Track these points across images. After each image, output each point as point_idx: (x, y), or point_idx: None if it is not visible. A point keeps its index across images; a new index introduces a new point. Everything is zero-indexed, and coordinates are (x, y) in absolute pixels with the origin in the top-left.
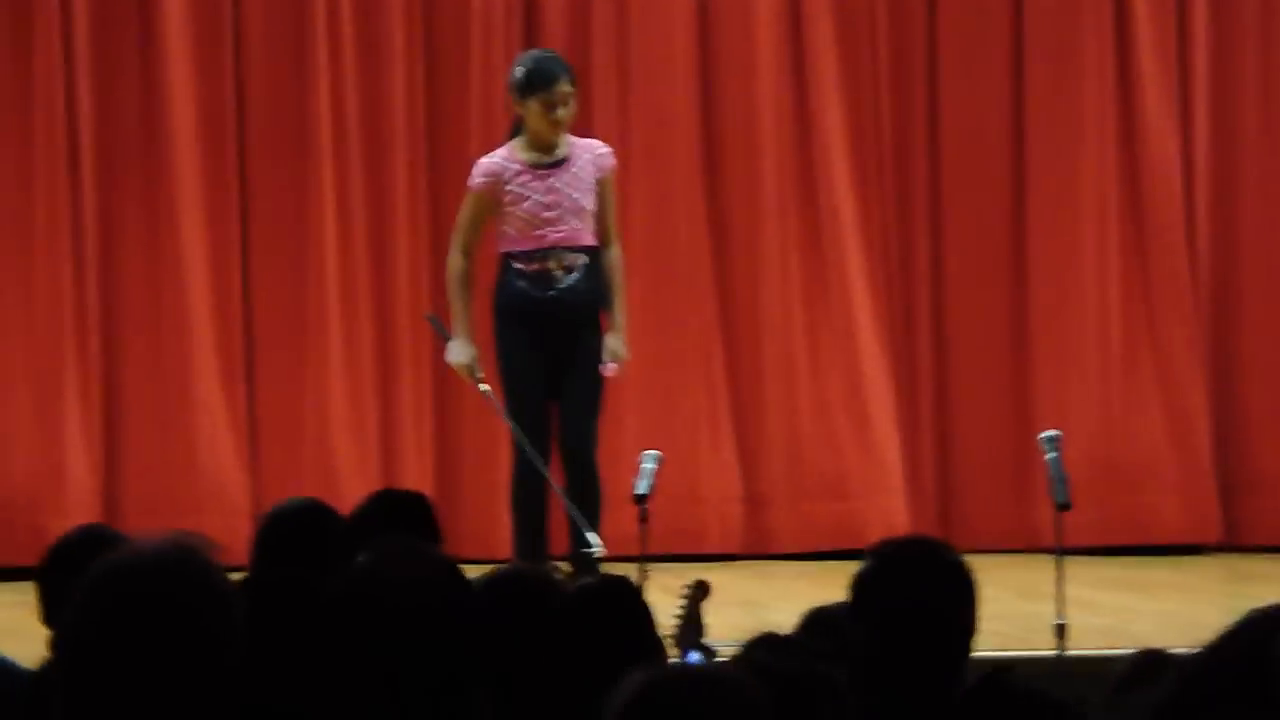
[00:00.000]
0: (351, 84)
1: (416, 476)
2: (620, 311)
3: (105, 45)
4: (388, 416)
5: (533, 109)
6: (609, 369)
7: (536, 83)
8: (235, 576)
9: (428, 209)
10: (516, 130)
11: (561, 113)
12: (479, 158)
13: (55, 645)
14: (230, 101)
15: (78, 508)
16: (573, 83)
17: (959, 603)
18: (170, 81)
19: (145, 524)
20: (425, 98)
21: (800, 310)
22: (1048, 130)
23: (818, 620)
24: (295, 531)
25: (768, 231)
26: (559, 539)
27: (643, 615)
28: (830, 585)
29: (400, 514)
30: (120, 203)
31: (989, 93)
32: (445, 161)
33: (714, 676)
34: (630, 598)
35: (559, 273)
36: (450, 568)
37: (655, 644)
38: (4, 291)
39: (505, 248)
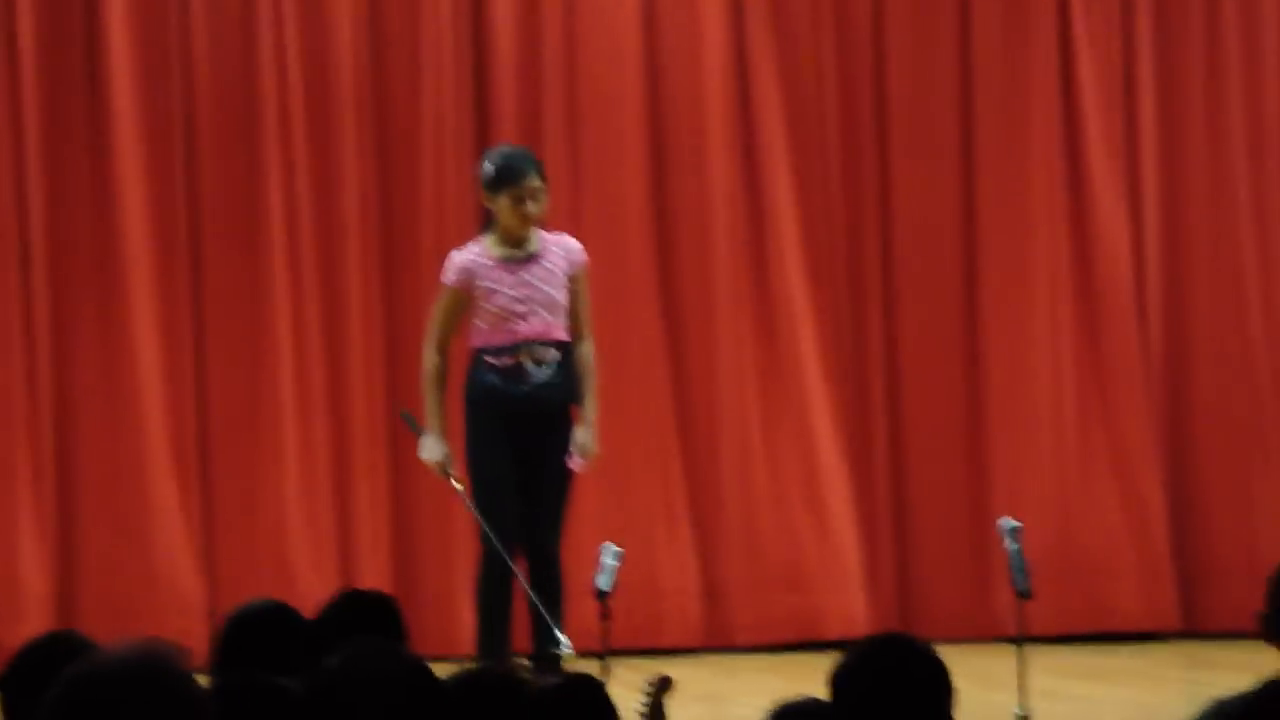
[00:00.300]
0: (303, 178)
1: (374, 573)
2: (591, 406)
3: (56, 140)
4: (344, 513)
5: (503, 204)
6: (576, 463)
7: (505, 178)
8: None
9: (381, 304)
10: (487, 225)
11: (531, 207)
12: (432, 251)
13: None
14: (181, 197)
15: (32, 612)
16: (542, 177)
17: (937, 699)
18: (121, 177)
19: (101, 628)
20: (377, 192)
21: (755, 400)
22: (999, 214)
23: (785, 716)
24: (257, 633)
25: (721, 321)
26: (521, 635)
27: (609, 713)
28: (792, 678)
29: (365, 614)
30: (72, 303)
31: (939, 177)
32: (398, 255)
33: None
34: (597, 696)
35: (531, 366)
36: (420, 667)
37: None
38: None
39: (477, 342)
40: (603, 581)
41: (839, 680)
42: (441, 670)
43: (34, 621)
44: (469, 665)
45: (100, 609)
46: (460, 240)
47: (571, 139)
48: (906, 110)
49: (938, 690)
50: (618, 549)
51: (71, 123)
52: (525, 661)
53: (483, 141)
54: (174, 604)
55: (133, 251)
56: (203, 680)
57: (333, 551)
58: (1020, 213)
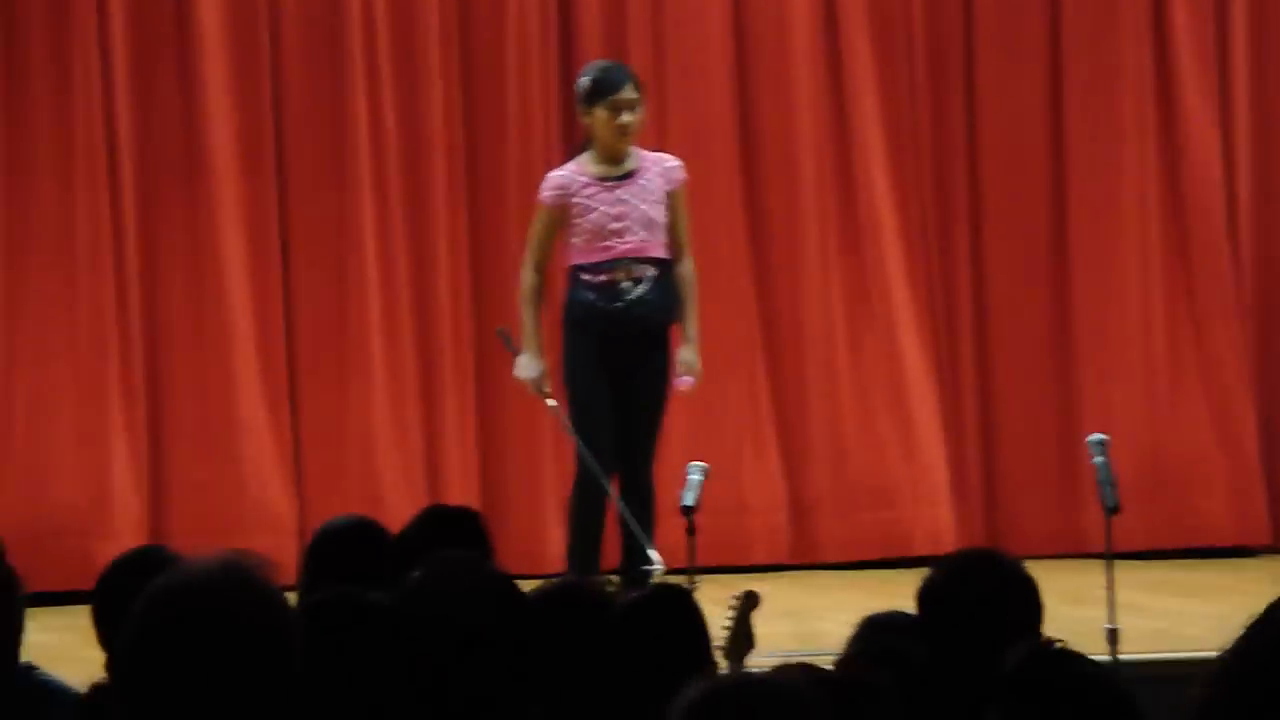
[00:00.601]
0: (389, 101)
1: (461, 492)
2: (693, 325)
3: (143, 66)
4: (432, 433)
5: (599, 117)
6: (683, 382)
7: (602, 89)
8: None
9: (467, 225)
10: (585, 144)
11: (627, 118)
12: (517, 171)
13: (111, 667)
14: (268, 120)
15: (125, 531)
16: (639, 90)
17: (1025, 614)
18: (209, 101)
19: (192, 546)
20: (463, 115)
21: (842, 318)
22: (1087, 131)
23: (872, 628)
24: (344, 549)
25: (808, 239)
26: (610, 553)
27: (698, 625)
28: (878, 594)
29: (451, 530)
30: (161, 225)
31: (1028, 94)
32: (483, 178)
33: (773, 684)
34: (686, 607)
35: (627, 284)
36: (503, 580)
37: (709, 654)
38: (48, 317)
39: (574, 260)
40: (688, 497)
41: (927, 595)
42: (529, 588)
43: (126, 540)
44: (553, 580)
45: (190, 527)
46: (544, 161)
47: (657, 56)
48: (994, 22)
49: (1026, 606)
50: (703, 465)
51: (159, 46)
52: (614, 579)
53: (567, 61)
54: (263, 522)
55: (221, 171)
56: (291, 596)
57: (420, 469)
58: (1109, 126)
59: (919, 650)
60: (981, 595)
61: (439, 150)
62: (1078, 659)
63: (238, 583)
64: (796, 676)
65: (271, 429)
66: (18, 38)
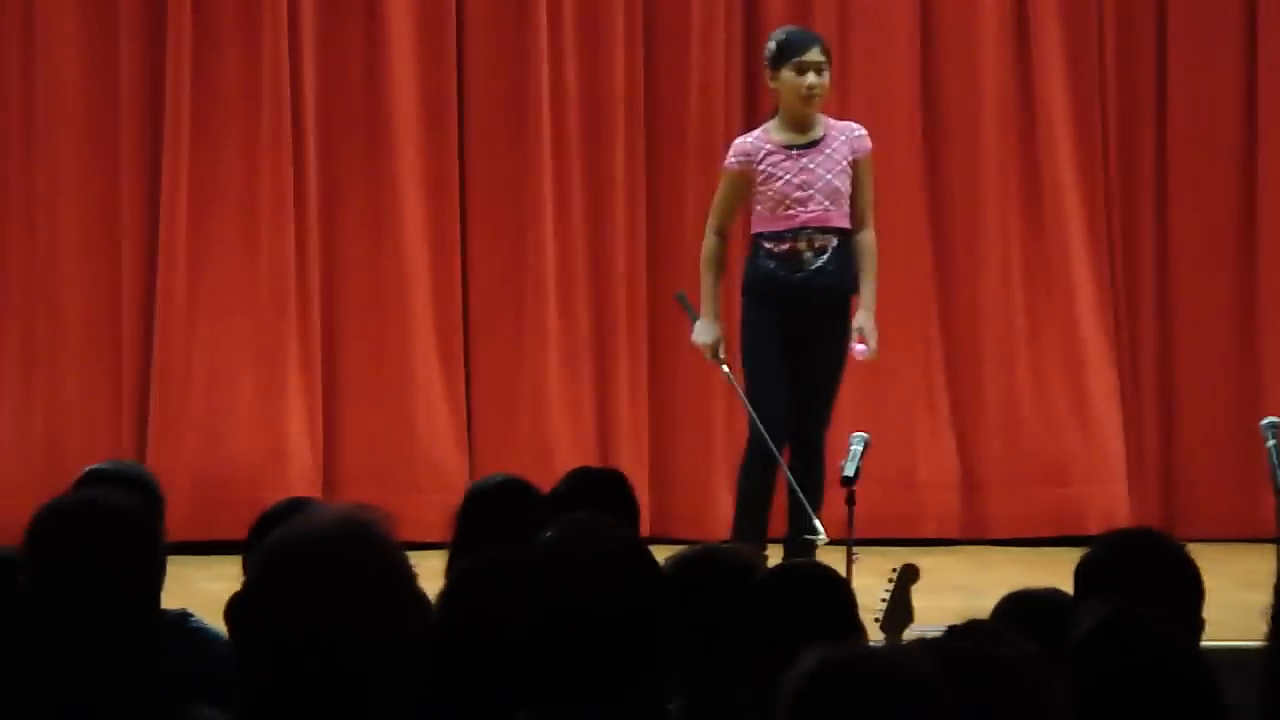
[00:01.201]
0: (571, 67)
1: (631, 457)
2: (870, 294)
3: (329, 26)
4: (603, 397)
5: (786, 79)
6: (858, 351)
7: (788, 50)
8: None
9: (645, 191)
10: (774, 112)
11: (813, 80)
12: (697, 138)
13: (230, 619)
14: (451, 82)
15: (298, 484)
16: (826, 54)
17: (1186, 597)
18: (393, 61)
19: (366, 499)
20: (645, 81)
21: (1020, 293)
22: None
23: (1016, 604)
24: (496, 508)
25: (988, 213)
26: (777, 522)
27: (839, 603)
28: (1045, 571)
29: (598, 491)
30: (342, 183)
31: (1219, 71)
32: (663, 145)
33: (889, 657)
34: (826, 585)
35: (808, 254)
36: (634, 543)
37: (849, 629)
38: (229, 271)
39: (756, 228)
40: (849, 468)
41: (1085, 573)
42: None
43: (298, 491)
44: (692, 545)
45: (363, 483)
46: (724, 126)
47: (842, 26)
48: (1187, 2)
49: (1187, 587)
50: (866, 436)
51: (346, 6)
52: (776, 547)
53: (752, 29)
54: (435, 480)
55: (402, 129)
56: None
57: (591, 432)
58: None
59: (1058, 627)
60: (1141, 575)
61: (619, 114)
62: (1155, 629)
63: (354, 538)
64: (915, 650)
65: (445, 387)
66: None
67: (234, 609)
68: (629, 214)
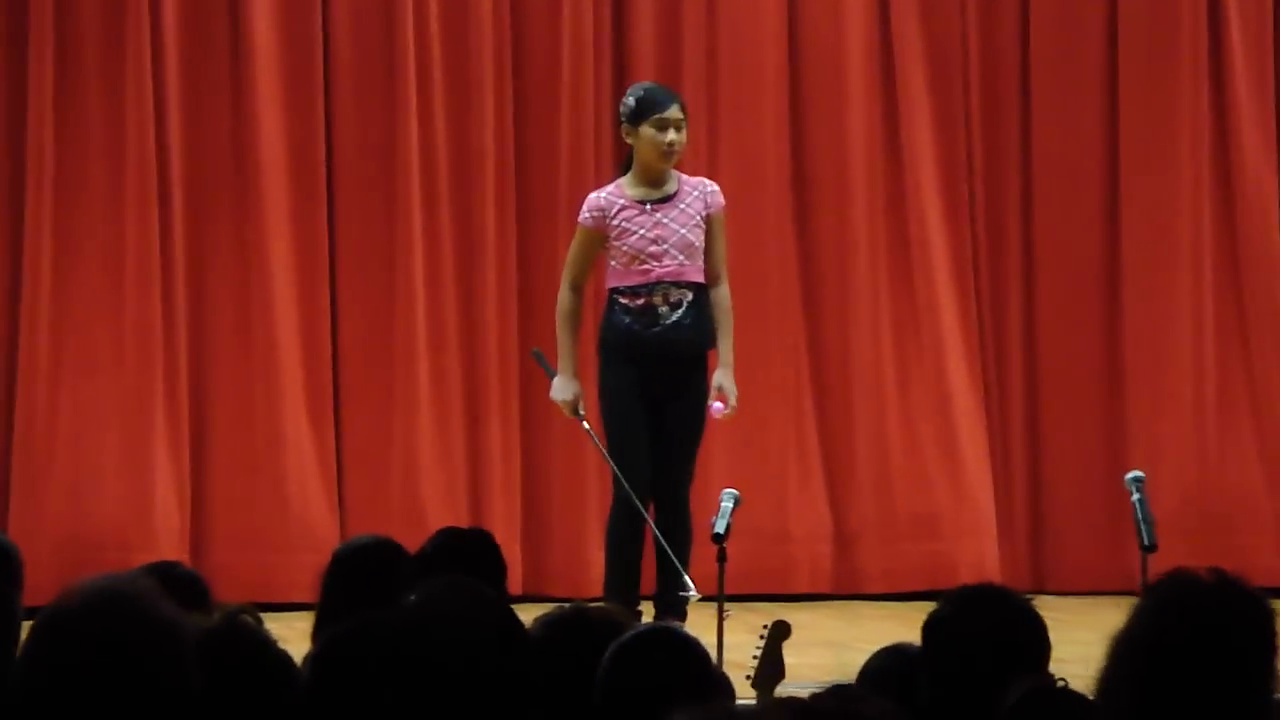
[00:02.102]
0: (441, 120)
1: (504, 515)
2: (728, 351)
3: (195, 80)
4: (476, 454)
5: (645, 135)
6: (716, 409)
7: (649, 107)
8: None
9: (515, 246)
10: (626, 165)
11: (673, 137)
12: (567, 193)
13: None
14: (319, 138)
15: (166, 545)
16: (684, 111)
17: (1032, 651)
18: (260, 117)
19: (232, 561)
20: (514, 134)
21: (890, 347)
22: (1142, 166)
23: (885, 661)
24: (363, 569)
25: (858, 268)
26: (648, 578)
27: (696, 664)
28: (916, 626)
29: (465, 552)
30: (210, 242)
31: (1083, 127)
32: (533, 199)
33: (751, 717)
34: (675, 643)
35: (664, 308)
36: (498, 604)
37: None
38: (94, 329)
39: (611, 283)
40: (719, 525)
41: (932, 629)
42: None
43: (165, 554)
44: (561, 606)
45: (233, 543)
46: (595, 181)
47: (711, 81)
48: (1050, 55)
49: (1033, 643)
50: (735, 493)
51: (212, 60)
52: (647, 604)
53: (622, 85)
54: (304, 539)
55: (270, 188)
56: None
57: (463, 490)
58: (1165, 161)
59: (921, 683)
60: (987, 631)
61: (489, 170)
62: (1078, 697)
63: (120, 609)
64: (783, 711)
65: (315, 447)
66: (70, 51)
67: (10, 688)
68: (500, 272)
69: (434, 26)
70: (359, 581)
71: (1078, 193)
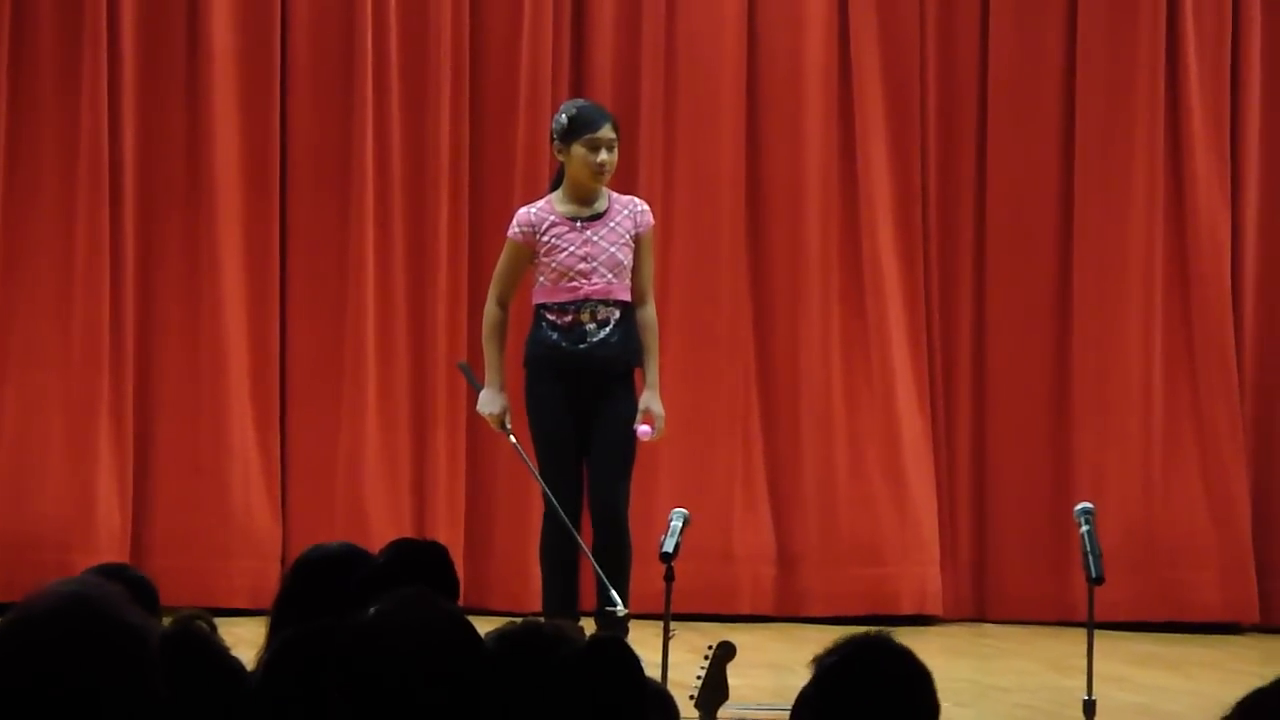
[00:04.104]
0: (396, 131)
1: (448, 526)
2: (653, 370)
3: (152, 80)
4: (421, 465)
5: (576, 154)
6: (643, 432)
7: (581, 127)
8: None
9: (468, 258)
10: (557, 182)
11: (605, 158)
12: (520, 206)
13: None
14: (274, 144)
15: (105, 546)
16: (616, 131)
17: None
18: (215, 120)
19: (174, 566)
20: (470, 147)
21: (840, 371)
22: (1096, 196)
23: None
24: (328, 576)
25: (809, 291)
26: (589, 594)
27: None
28: None
29: (419, 563)
30: (160, 243)
31: (1038, 157)
32: (487, 212)
33: None
34: (621, 657)
35: (591, 325)
36: (458, 618)
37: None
38: (41, 326)
39: (539, 299)
40: (668, 544)
41: (821, 680)
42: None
43: (106, 555)
44: (513, 620)
45: (174, 547)
46: (549, 196)
47: (668, 103)
48: (1008, 86)
49: (921, 704)
50: (685, 513)
51: (167, 64)
52: (584, 620)
53: (580, 97)
54: (247, 546)
55: (223, 191)
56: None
57: (407, 500)
58: (1119, 196)
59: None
60: (874, 687)
61: (443, 180)
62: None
63: (84, 613)
64: None
65: (259, 452)
66: (25, 48)
67: None
68: (451, 283)
69: (393, 35)
70: (320, 588)
71: (1031, 222)
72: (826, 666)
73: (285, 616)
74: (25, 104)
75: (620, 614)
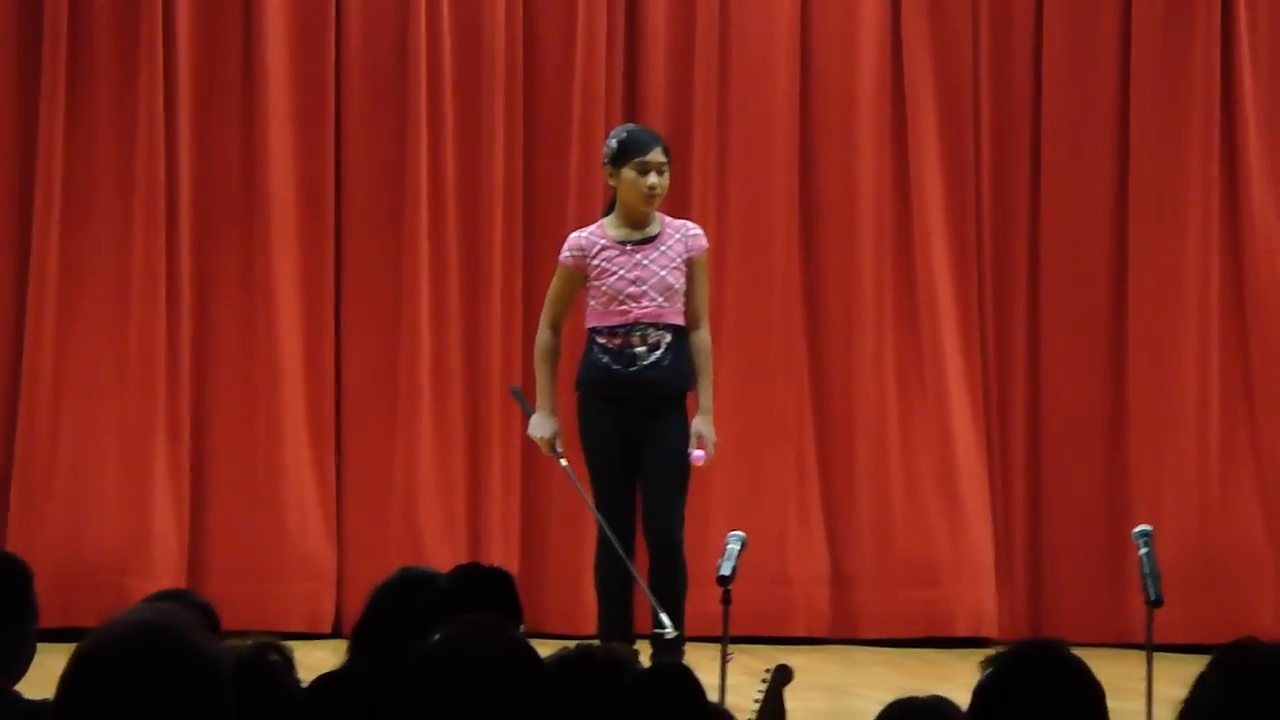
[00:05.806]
0: (450, 153)
1: (502, 549)
2: (707, 395)
3: (207, 109)
4: (476, 488)
5: (626, 178)
6: (697, 456)
7: (631, 150)
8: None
9: (522, 281)
10: (611, 206)
11: (655, 181)
12: (573, 228)
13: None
14: (329, 166)
15: (162, 571)
16: (667, 154)
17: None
18: (270, 144)
19: (230, 589)
20: (524, 169)
21: (894, 392)
22: (1151, 216)
23: (899, 714)
24: (398, 602)
25: (864, 312)
26: (645, 617)
27: (697, 702)
28: (915, 673)
29: (482, 590)
30: (215, 266)
31: (1092, 177)
32: (541, 234)
33: None
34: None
35: (642, 349)
36: (523, 645)
37: None
38: (98, 352)
39: (590, 322)
40: (725, 567)
41: (985, 694)
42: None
43: (163, 580)
44: (574, 645)
45: (230, 570)
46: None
47: (722, 124)
48: (1062, 102)
49: (1089, 704)
50: (743, 535)
51: (223, 90)
52: (640, 644)
53: (634, 121)
54: (303, 569)
55: (278, 215)
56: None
57: (462, 524)
58: (1174, 213)
59: None
60: (1045, 702)
61: (498, 203)
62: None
63: (159, 641)
64: None
65: (315, 476)
66: (82, 72)
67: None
68: (505, 304)
69: (447, 58)
70: (394, 615)
71: (1085, 239)
72: (995, 674)
73: (366, 640)
74: (81, 128)
75: (670, 635)
